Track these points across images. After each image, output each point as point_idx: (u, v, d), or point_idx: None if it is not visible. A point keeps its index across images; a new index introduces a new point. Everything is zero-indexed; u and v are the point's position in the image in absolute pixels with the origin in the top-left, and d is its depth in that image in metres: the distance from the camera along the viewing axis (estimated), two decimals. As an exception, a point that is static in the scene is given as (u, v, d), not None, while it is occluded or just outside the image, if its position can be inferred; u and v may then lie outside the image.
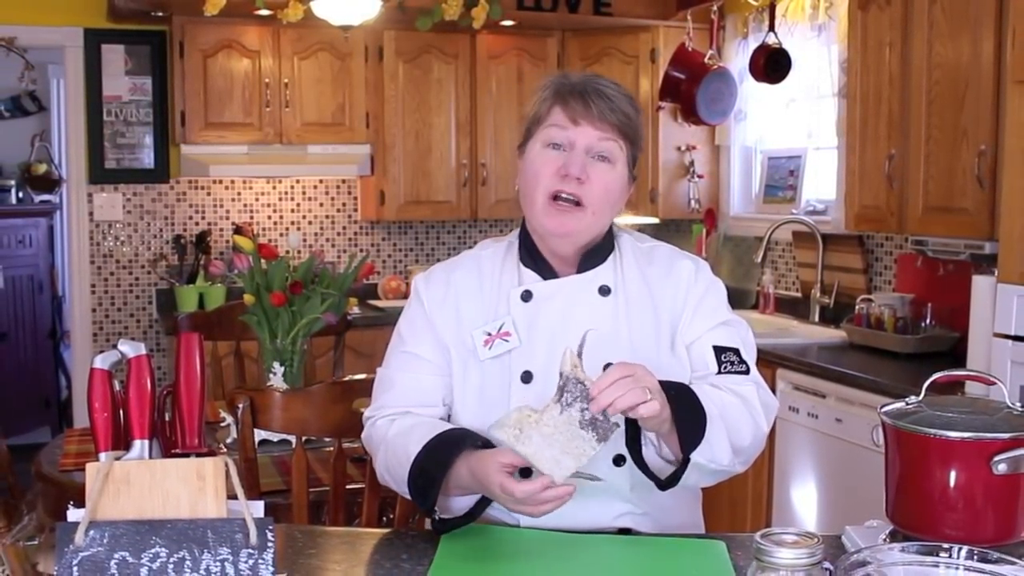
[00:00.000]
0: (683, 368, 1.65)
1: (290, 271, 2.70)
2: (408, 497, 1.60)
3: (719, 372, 1.63)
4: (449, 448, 1.52)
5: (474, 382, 1.66)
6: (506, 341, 1.63)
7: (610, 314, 1.65)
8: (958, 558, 1.20)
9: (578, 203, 1.60)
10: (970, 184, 3.00)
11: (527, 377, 1.62)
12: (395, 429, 1.64)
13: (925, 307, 3.46)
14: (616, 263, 1.70)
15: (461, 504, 1.56)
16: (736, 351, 1.66)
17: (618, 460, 1.59)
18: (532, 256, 1.69)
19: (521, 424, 1.40)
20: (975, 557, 1.19)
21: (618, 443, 1.56)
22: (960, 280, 3.23)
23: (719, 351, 1.64)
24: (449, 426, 1.62)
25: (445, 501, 1.56)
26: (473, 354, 1.65)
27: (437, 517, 1.54)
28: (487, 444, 1.52)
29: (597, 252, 1.68)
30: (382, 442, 1.65)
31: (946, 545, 1.21)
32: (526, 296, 1.66)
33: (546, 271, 1.68)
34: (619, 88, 1.65)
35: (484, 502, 1.55)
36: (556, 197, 1.60)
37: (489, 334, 1.65)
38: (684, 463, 1.50)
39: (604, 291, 1.67)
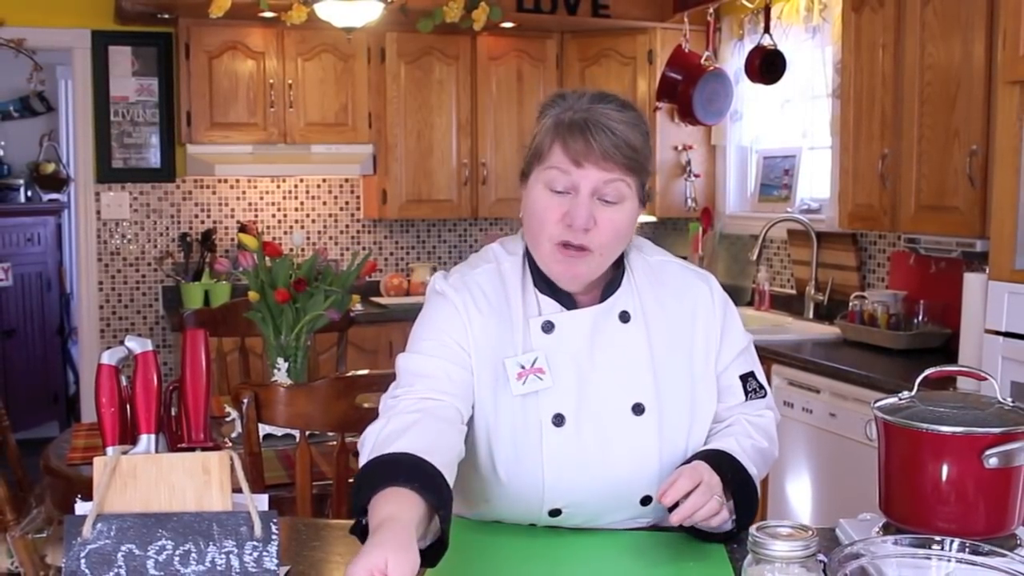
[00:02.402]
0: (708, 398, 1.63)
1: (294, 269, 2.71)
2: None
3: (746, 400, 1.64)
4: (388, 472, 1.32)
5: (507, 417, 1.54)
6: (540, 379, 1.53)
7: (632, 345, 1.58)
8: (950, 550, 1.21)
9: (584, 248, 1.51)
10: (962, 183, 3.02)
11: (559, 420, 1.53)
12: (406, 420, 1.44)
13: (918, 304, 3.48)
14: (631, 285, 1.62)
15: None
16: (753, 374, 1.67)
17: (645, 500, 1.57)
18: (546, 281, 1.58)
19: None
20: (967, 549, 1.20)
21: (647, 484, 1.55)
22: (952, 277, 3.26)
23: (744, 379, 1.65)
24: (429, 452, 1.37)
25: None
26: (502, 384, 1.54)
27: (363, 522, 1.29)
28: (425, 483, 1.31)
29: (613, 277, 1.61)
30: (389, 417, 1.46)
31: (938, 538, 1.22)
32: (547, 327, 1.56)
33: (564, 298, 1.58)
34: (624, 111, 1.52)
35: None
36: (563, 245, 1.51)
37: (523, 367, 1.53)
38: (736, 531, 1.51)
39: (624, 317, 1.59)
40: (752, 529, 1.15)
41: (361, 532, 1.31)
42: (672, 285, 1.65)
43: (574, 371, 1.55)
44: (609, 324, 1.58)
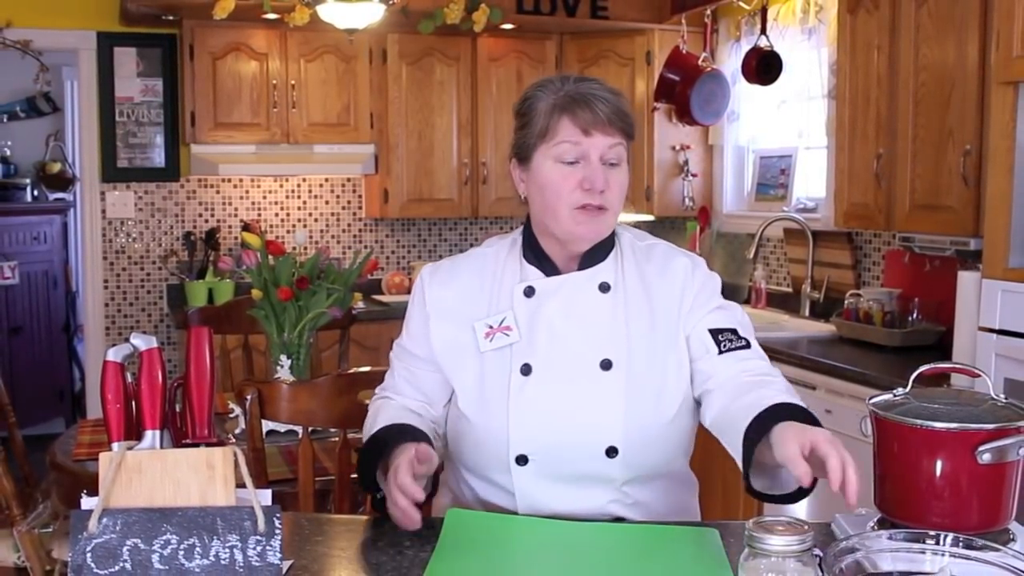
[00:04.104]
0: (680, 362, 1.68)
1: (297, 267, 2.72)
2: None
3: (720, 352, 1.66)
4: (387, 441, 1.60)
5: (473, 373, 1.69)
6: (506, 335, 1.67)
7: (609, 310, 1.68)
8: (944, 545, 1.23)
9: (602, 208, 1.64)
10: (956, 182, 3.03)
11: (526, 370, 1.65)
12: (373, 408, 1.77)
13: (912, 302, 3.49)
14: (616, 260, 1.72)
15: None
16: (733, 331, 1.68)
17: (610, 452, 1.62)
18: (536, 254, 1.72)
19: None
20: (960, 544, 1.22)
21: (611, 434, 1.61)
22: (946, 275, 3.26)
23: (715, 332, 1.67)
24: (404, 420, 1.67)
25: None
26: (474, 347, 1.68)
27: (379, 496, 1.60)
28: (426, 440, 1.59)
29: (598, 249, 1.70)
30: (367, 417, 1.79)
31: (932, 532, 1.24)
32: (528, 292, 1.69)
33: (549, 268, 1.71)
34: (606, 86, 1.67)
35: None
36: (582, 208, 1.63)
37: (491, 327, 1.68)
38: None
39: (604, 288, 1.69)
40: (748, 523, 1.16)
41: (382, 501, 1.57)
42: (656, 261, 1.74)
43: (548, 329, 1.67)
44: (588, 292, 1.69)
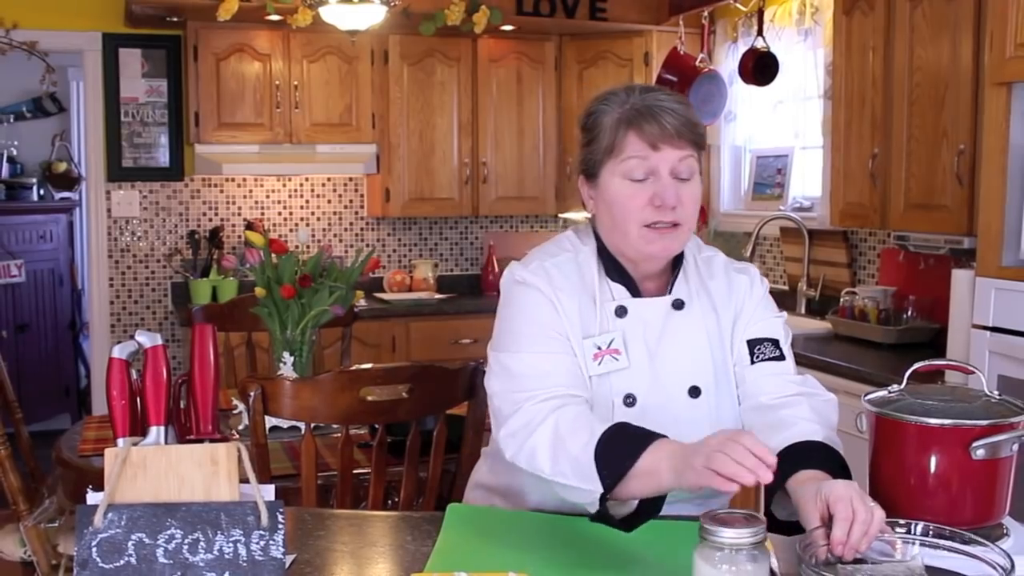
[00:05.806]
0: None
1: (299, 265, 2.71)
2: (570, 481, 1.42)
3: (752, 363, 1.63)
4: (645, 433, 1.40)
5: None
6: (615, 359, 1.58)
7: (687, 330, 1.63)
8: (915, 534, 1.28)
9: (675, 224, 1.58)
10: (950, 182, 3.05)
11: (630, 401, 1.58)
12: (572, 412, 1.49)
13: (907, 299, 3.52)
14: (684, 276, 1.67)
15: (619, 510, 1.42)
16: (774, 341, 1.64)
17: None
18: (617, 270, 1.65)
19: None
20: (931, 533, 1.27)
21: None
22: (940, 274, 3.29)
23: (754, 343, 1.64)
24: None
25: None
26: (584, 363, 1.59)
27: (608, 500, 1.39)
28: None
29: (672, 266, 1.66)
30: (548, 417, 1.49)
31: (903, 521, 1.28)
32: (620, 312, 1.62)
33: (631, 286, 1.64)
34: (673, 95, 1.60)
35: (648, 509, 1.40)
36: (652, 226, 1.57)
37: (599, 348, 1.59)
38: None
39: (678, 305, 1.64)
40: (701, 516, 1.15)
41: (602, 517, 1.38)
42: (719, 278, 1.69)
43: (645, 354, 1.60)
44: (665, 311, 1.64)
